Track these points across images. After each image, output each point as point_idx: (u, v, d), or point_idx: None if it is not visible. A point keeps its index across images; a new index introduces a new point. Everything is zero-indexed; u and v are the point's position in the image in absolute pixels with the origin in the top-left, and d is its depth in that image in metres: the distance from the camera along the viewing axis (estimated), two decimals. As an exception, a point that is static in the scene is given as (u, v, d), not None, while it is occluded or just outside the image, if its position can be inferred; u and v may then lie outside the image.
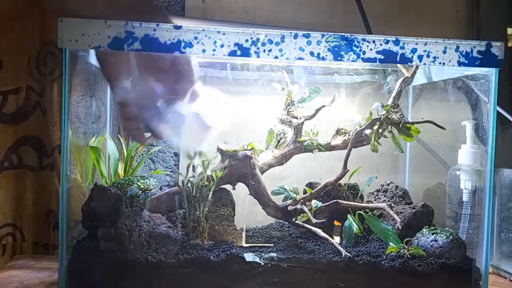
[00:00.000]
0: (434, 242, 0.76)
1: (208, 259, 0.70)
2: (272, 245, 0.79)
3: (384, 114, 0.79)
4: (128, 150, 0.88)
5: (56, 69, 0.96)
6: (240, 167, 0.80)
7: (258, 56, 0.67)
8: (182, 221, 0.79)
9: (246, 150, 0.81)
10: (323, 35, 0.68)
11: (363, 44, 0.68)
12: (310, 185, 0.88)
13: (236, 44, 0.66)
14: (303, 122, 0.83)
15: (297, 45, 0.67)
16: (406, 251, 0.75)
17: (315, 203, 0.79)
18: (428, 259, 0.74)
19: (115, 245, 0.69)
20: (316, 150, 0.83)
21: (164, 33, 0.65)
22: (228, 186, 0.82)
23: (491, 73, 0.72)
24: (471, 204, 0.89)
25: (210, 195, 0.77)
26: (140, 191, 0.77)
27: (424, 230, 0.79)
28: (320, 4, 1.05)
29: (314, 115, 0.82)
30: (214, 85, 0.94)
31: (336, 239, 0.82)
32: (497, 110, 0.80)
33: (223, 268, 0.70)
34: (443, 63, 0.70)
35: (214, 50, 0.66)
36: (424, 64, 0.70)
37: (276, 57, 0.67)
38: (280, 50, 0.67)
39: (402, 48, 0.69)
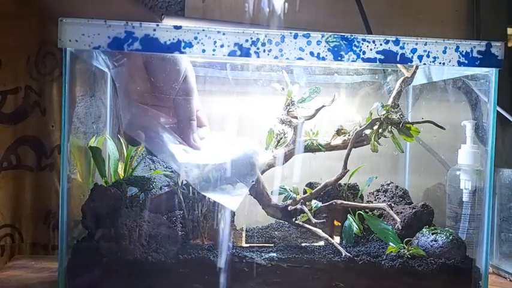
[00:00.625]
0: (434, 242, 0.76)
1: (208, 259, 0.70)
2: (272, 245, 0.79)
3: (384, 114, 0.79)
4: (128, 150, 0.88)
5: (56, 69, 0.96)
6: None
7: (258, 56, 0.66)
8: (182, 221, 0.79)
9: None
10: (323, 35, 0.68)
11: (362, 44, 0.68)
12: (310, 185, 0.88)
13: (236, 44, 0.66)
14: (303, 122, 0.83)
15: (297, 45, 0.67)
16: (406, 251, 0.75)
17: (315, 203, 0.79)
18: (428, 259, 0.74)
19: (115, 245, 0.69)
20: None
21: (164, 33, 0.65)
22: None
23: (491, 73, 0.72)
24: (471, 204, 0.89)
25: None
26: (140, 191, 0.77)
27: (424, 230, 0.79)
28: (320, 4, 1.05)
29: (314, 115, 0.82)
30: (214, 85, 0.95)
31: (336, 239, 0.82)
32: (497, 110, 0.80)
33: (223, 268, 0.70)
34: (443, 63, 0.70)
35: (214, 50, 0.66)
36: (424, 64, 0.70)
37: (276, 57, 0.67)
38: (280, 50, 0.67)
39: (402, 48, 0.69)
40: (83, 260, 0.69)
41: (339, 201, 0.80)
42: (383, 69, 0.96)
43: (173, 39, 0.65)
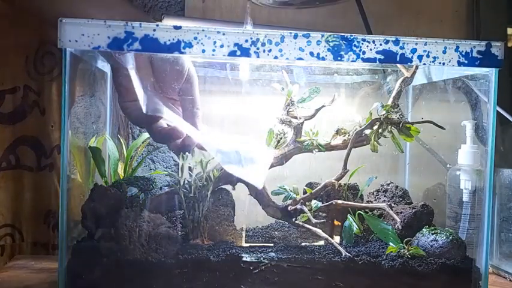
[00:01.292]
0: (434, 242, 0.76)
1: (208, 259, 0.70)
2: (272, 244, 0.79)
3: (383, 114, 0.79)
4: (128, 150, 0.88)
5: (55, 68, 0.95)
6: (240, 167, 0.80)
7: (258, 56, 0.66)
8: (182, 221, 0.79)
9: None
10: (323, 35, 0.68)
11: (362, 44, 0.68)
12: (310, 185, 0.88)
13: (236, 44, 0.66)
14: (303, 122, 0.83)
15: (297, 45, 0.67)
16: (406, 251, 0.75)
17: (314, 203, 0.79)
18: (428, 259, 0.74)
19: (115, 245, 0.69)
20: (316, 150, 0.83)
21: (164, 33, 0.65)
22: (228, 187, 0.82)
23: (491, 73, 0.72)
24: (471, 204, 0.89)
25: (208, 195, 0.77)
26: (140, 191, 0.77)
27: (424, 230, 0.79)
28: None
29: (314, 115, 0.82)
30: (214, 85, 0.95)
31: (336, 239, 0.82)
32: (497, 110, 0.80)
33: (223, 268, 0.70)
34: (443, 63, 0.70)
35: (214, 50, 0.66)
36: (424, 64, 0.70)
37: (276, 57, 0.67)
38: (280, 50, 0.67)
39: (402, 48, 0.69)
40: (83, 260, 0.68)
41: (339, 201, 0.80)
42: (383, 69, 0.96)
43: (173, 39, 0.65)
